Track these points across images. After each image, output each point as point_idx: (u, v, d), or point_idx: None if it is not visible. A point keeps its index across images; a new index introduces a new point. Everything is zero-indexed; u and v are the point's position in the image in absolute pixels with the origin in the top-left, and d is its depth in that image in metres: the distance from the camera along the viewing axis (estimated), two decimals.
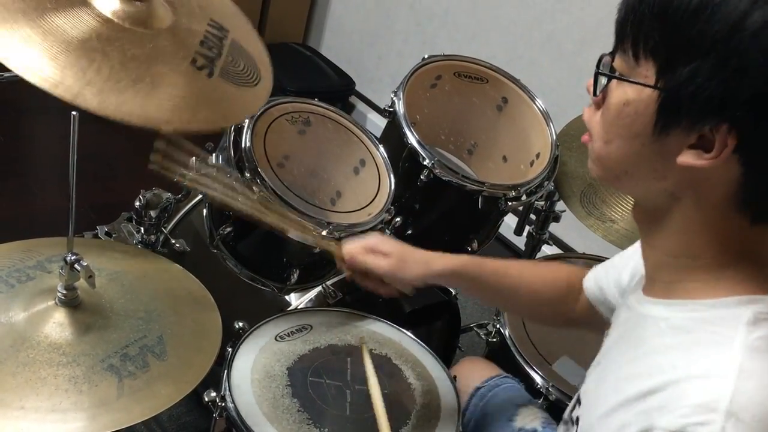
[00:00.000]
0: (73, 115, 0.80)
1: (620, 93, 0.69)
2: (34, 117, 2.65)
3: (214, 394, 1.12)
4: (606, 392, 0.74)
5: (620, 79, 0.69)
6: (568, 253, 1.88)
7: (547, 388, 1.35)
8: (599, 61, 0.72)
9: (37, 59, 0.84)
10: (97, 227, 1.40)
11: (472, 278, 1.12)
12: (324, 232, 1.24)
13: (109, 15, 0.97)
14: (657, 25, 0.64)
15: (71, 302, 1.00)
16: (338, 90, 3.07)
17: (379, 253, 1.12)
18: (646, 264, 0.78)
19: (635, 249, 0.89)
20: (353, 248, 1.13)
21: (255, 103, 1.14)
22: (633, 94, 0.68)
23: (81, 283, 0.99)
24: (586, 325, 1.11)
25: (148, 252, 1.28)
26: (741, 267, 0.69)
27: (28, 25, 0.87)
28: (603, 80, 0.71)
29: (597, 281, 1.04)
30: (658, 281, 0.75)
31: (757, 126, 0.62)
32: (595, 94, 0.72)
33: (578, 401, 0.85)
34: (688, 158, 0.65)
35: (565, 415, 0.92)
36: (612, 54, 0.71)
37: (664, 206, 0.71)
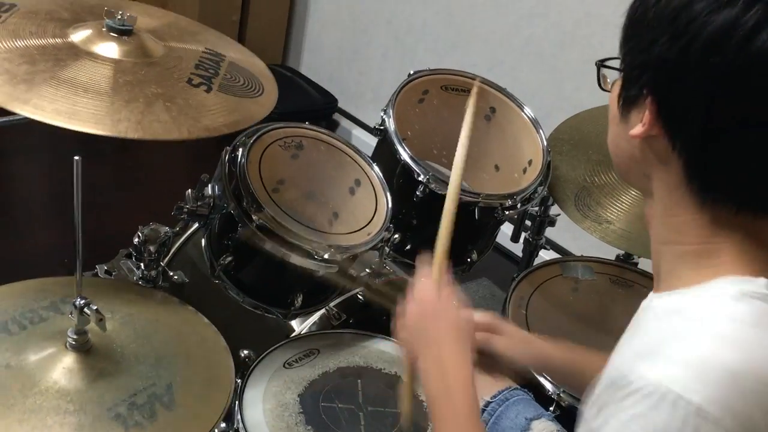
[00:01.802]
0: (76, 160, 0.79)
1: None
2: (19, 157, 2.63)
3: (224, 425, 1.11)
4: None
5: (604, 66, 0.80)
6: (565, 257, 1.89)
7: (558, 394, 1.34)
8: (604, 59, 0.81)
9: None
10: (96, 266, 1.38)
11: (560, 367, 1.16)
12: (326, 255, 1.24)
13: (111, 56, 1.07)
14: (625, 19, 0.74)
15: (82, 347, 1.00)
16: (321, 108, 3.08)
17: (501, 333, 1.10)
18: (652, 260, 0.81)
19: None
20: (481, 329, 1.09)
21: (259, 112, 1.19)
22: (616, 83, 0.78)
23: (92, 326, 0.98)
24: None
25: (160, 293, 1.27)
26: (731, 253, 0.72)
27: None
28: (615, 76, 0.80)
29: None
30: (661, 275, 0.79)
31: (669, 89, 0.70)
32: (600, 86, 0.82)
33: None
34: (634, 131, 0.73)
35: None
36: None
37: (647, 190, 0.78)
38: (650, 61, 0.70)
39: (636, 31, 0.73)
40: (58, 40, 1.08)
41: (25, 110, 0.94)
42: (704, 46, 0.65)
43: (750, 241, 0.72)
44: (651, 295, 0.80)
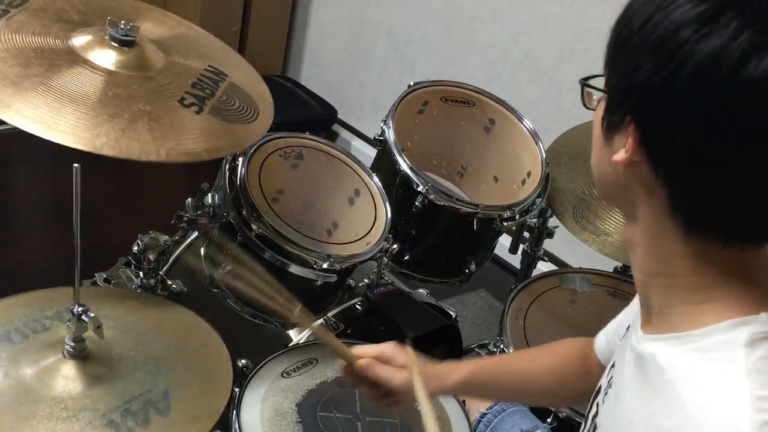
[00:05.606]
0: (75, 167, 0.80)
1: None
2: (17, 166, 2.63)
3: None
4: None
5: (588, 86, 0.77)
6: (563, 269, 1.89)
7: None
8: (588, 77, 0.78)
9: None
10: (96, 274, 1.39)
11: (486, 383, 1.08)
12: (325, 264, 1.24)
13: (108, 66, 1.03)
14: (610, 37, 0.72)
15: (79, 354, 1.00)
16: (321, 119, 3.09)
17: (393, 365, 1.04)
18: (638, 291, 0.79)
19: (635, 302, 0.88)
20: (367, 357, 1.04)
21: (246, 140, 1.16)
22: (600, 103, 0.75)
23: (90, 334, 0.99)
24: None
25: (164, 301, 1.27)
26: (724, 288, 0.69)
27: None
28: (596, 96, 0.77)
29: (607, 340, 1.02)
30: (651, 309, 0.76)
31: (653, 118, 0.67)
32: (584, 105, 0.79)
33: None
34: (617, 156, 0.70)
35: None
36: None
37: (632, 216, 0.75)
38: (634, 87, 0.67)
39: (620, 54, 0.70)
40: (59, 43, 1.05)
41: (6, 114, 0.90)
42: (691, 75, 0.63)
43: (739, 274, 0.69)
44: (642, 335, 0.76)
